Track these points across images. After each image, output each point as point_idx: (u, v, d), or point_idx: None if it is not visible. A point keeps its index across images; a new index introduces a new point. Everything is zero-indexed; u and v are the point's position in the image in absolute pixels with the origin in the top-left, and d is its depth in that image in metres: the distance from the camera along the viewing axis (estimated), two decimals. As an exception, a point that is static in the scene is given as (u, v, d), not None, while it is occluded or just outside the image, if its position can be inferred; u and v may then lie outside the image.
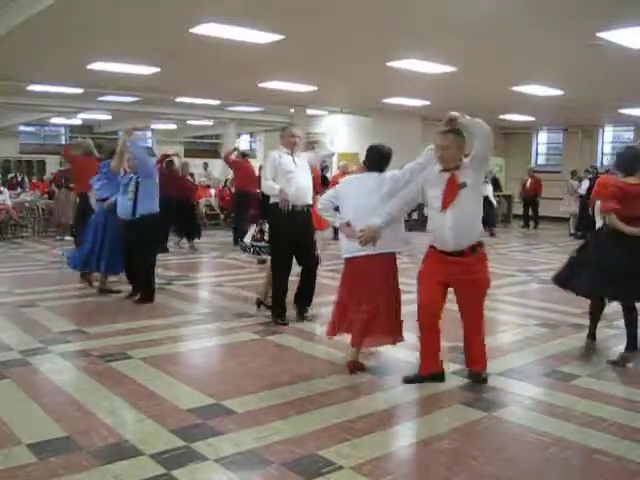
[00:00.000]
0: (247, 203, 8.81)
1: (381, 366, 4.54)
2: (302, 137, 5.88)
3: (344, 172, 12.00)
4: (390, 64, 9.42)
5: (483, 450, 3.17)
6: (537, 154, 20.55)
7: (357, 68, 10.16)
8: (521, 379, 4.29)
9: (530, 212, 16.50)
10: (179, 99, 14.99)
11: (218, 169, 19.82)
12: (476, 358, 4.19)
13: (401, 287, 4.44)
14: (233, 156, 11.67)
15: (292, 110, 16.47)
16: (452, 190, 3.97)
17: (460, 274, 4.01)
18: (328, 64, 9.94)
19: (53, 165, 20.93)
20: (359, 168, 15.77)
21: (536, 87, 11.45)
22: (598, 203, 4.84)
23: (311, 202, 5.75)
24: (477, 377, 4.17)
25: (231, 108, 16.88)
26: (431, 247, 4.17)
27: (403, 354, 4.73)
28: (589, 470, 3.00)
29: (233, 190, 12.41)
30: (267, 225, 6.03)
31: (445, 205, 3.97)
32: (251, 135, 25.44)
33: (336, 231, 12.42)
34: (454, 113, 3.93)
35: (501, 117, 16.76)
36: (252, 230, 6.28)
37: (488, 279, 4.14)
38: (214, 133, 24.22)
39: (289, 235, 5.60)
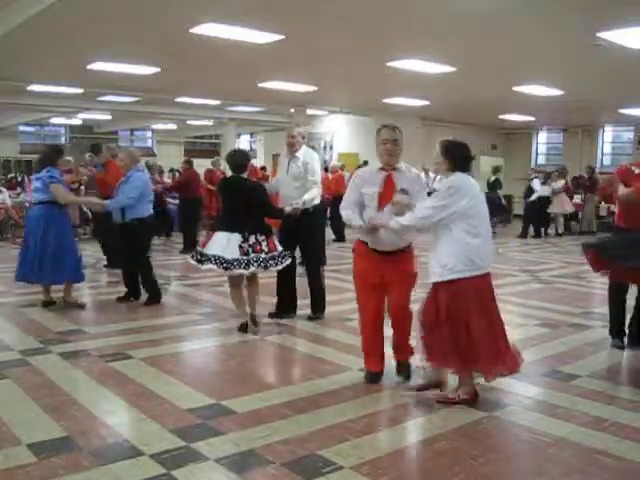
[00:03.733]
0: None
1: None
2: (298, 135, 5.72)
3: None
4: (390, 64, 9.43)
5: (483, 450, 3.17)
6: (537, 154, 20.55)
7: (357, 68, 10.17)
8: (521, 379, 4.28)
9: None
10: (179, 99, 15.00)
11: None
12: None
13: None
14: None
15: (292, 110, 16.47)
16: (389, 191, 4.00)
17: (392, 270, 4.02)
18: (328, 64, 9.95)
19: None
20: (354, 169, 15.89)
21: (536, 87, 11.46)
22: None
23: (305, 206, 5.59)
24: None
25: (231, 108, 16.89)
26: (362, 243, 4.13)
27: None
28: (589, 470, 2.99)
29: None
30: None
31: (381, 205, 3.98)
32: (251, 135, 25.45)
33: (337, 232, 12.52)
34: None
35: (501, 117, 16.79)
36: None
37: (415, 272, 4.13)
38: (214, 133, 24.22)
39: (284, 235, 5.70)
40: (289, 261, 5.42)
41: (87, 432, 3.28)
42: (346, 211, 4.12)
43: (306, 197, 5.54)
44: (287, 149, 5.74)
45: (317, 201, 5.74)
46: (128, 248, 6.39)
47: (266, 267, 5.20)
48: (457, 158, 3.71)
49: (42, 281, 6.22)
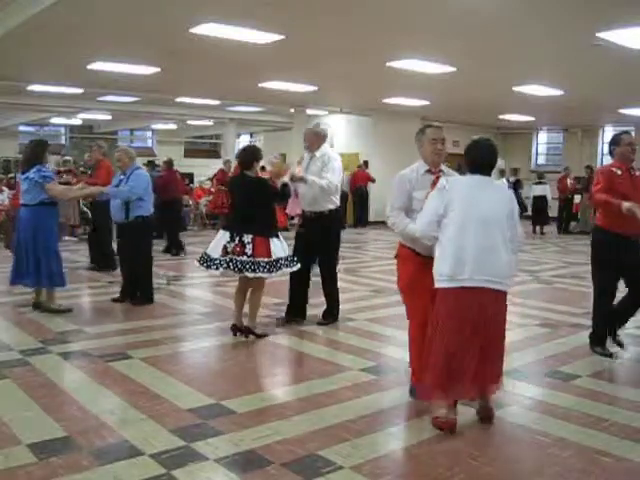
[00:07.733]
0: None
1: (381, 366, 4.54)
2: (311, 133, 5.60)
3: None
4: (390, 64, 9.43)
5: (483, 450, 3.17)
6: (537, 154, 20.54)
7: (357, 68, 10.17)
8: (521, 379, 4.29)
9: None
10: (179, 99, 15.00)
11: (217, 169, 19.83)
12: None
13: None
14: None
15: (292, 110, 16.46)
16: None
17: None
18: (328, 64, 9.95)
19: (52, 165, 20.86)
20: (357, 170, 15.87)
21: (536, 87, 11.46)
22: None
23: (322, 209, 5.49)
24: None
25: (231, 108, 16.89)
26: (407, 249, 3.82)
27: (403, 354, 4.73)
28: (589, 470, 2.99)
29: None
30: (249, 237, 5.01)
31: None
32: (251, 135, 25.45)
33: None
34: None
35: (501, 117, 16.79)
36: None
37: None
38: (214, 133, 24.23)
39: (303, 239, 5.62)
40: (278, 272, 5.01)
41: (87, 432, 3.28)
42: (400, 219, 3.74)
43: (311, 178, 5.39)
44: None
45: (332, 206, 5.56)
46: (132, 247, 6.37)
47: (240, 271, 4.96)
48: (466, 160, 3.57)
49: (32, 284, 6.00)
